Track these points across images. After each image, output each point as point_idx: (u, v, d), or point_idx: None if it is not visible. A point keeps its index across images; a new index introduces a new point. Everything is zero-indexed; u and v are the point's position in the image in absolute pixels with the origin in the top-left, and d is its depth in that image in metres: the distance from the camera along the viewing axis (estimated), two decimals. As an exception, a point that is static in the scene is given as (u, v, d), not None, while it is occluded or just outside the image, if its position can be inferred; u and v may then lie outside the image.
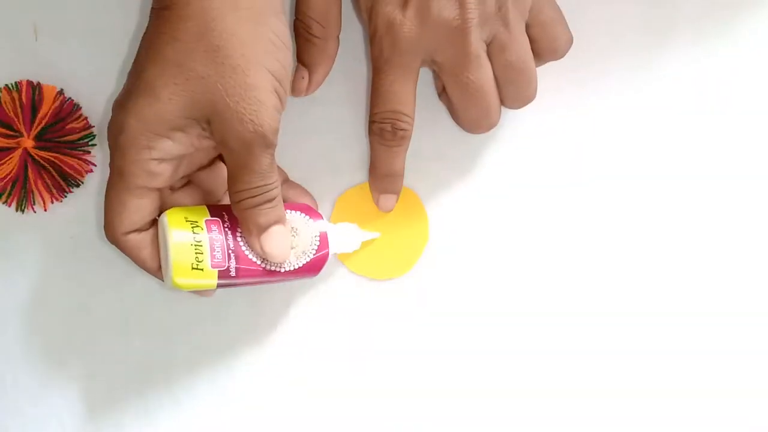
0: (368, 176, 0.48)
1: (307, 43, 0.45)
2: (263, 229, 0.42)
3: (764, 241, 0.50)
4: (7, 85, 0.48)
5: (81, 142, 0.48)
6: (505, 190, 0.49)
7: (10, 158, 0.47)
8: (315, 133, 0.49)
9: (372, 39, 0.44)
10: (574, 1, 0.46)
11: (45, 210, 0.48)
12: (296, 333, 0.48)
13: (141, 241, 0.43)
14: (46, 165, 0.48)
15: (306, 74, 0.46)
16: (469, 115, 0.46)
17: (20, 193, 0.48)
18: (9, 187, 0.48)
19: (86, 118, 0.48)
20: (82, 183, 0.48)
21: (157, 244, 0.43)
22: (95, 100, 0.48)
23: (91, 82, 0.48)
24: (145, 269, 0.44)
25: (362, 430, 0.48)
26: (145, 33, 0.41)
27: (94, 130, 0.48)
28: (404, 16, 0.43)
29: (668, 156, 0.50)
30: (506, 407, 0.48)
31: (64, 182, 0.48)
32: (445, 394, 0.48)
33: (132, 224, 0.42)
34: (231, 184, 0.42)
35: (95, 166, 0.48)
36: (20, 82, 0.48)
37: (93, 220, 0.48)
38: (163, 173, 0.41)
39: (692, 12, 0.50)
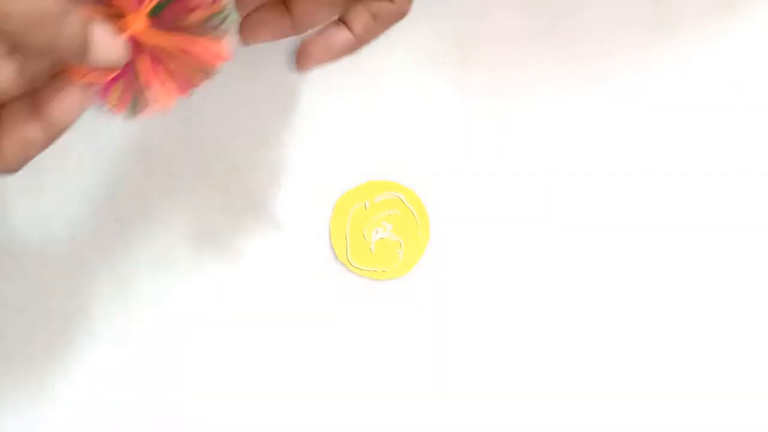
0: None
1: None
2: (85, 49, 0.31)
3: (765, 238, 0.50)
4: None
5: (210, 22, 0.35)
6: (506, 190, 0.49)
7: None
8: (315, 133, 0.49)
9: None
10: (576, 1, 0.46)
11: (165, 111, 0.35)
12: (296, 334, 0.48)
13: None
14: (167, 52, 0.35)
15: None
16: None
17: (131, 92, 0.35)
18: (116, 88, 0.35)
19: None
20: (217, 71, 0.35)
21: None
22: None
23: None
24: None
25: (362, 429, 0.48)
26: None
27: (228, 8, 0.36)
28: None
29: (670, 154, 0.50)
30: (508, 407, 0.48)
31: (190, 71, 0.35)
32: (447, 393, 0.48)
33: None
34: (15, 42, 0.31)
35: (228, 58, 0.35)
36: None
37: (93, 220, 0.48)
38: None
39: (694, 11, 0.50)
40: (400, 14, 0.40)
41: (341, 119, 0.49)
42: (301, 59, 0.41)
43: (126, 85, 0.35)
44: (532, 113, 0.49)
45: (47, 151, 0.49)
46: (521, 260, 0.49)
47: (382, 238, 0.49)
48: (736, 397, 0.49)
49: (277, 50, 0.49)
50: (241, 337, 0.48)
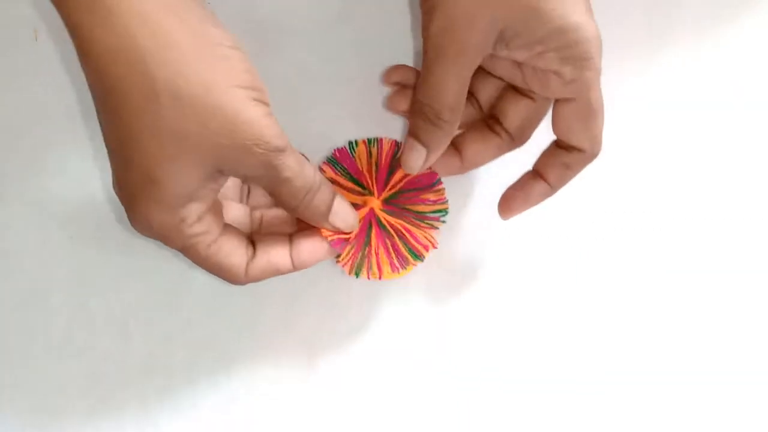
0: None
1: (432, 126, 0.41)
2: (327, 213, 0.42)
3: (764, 239, 0.50)
4: (368, 138, 0.47)
5: (431, 215, 0.46)
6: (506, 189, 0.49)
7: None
8: (316, 133, 0.49)
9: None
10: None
11: (380, 279, 0.45)
12: (297, 334, 0.48)
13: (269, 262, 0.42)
14: (392, 232, 0.45)
15: (424, 153, 0.42)
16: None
17: (358, 257, 0.45)
18: (349, 247, 0.45)
19: (444, 191, 0.46)
20: (425, 258, 0.45)
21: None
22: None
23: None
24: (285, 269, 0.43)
25: (363, 429, 0.48)
26: (96, 106, 0.38)
27: (448, 206, 0.46)
28: None
29: (669, 154, 0.50)
30: (508, 405, 0.48)
31: (409, 253, 0.45)
32: (447, 393, 0.48)
33: (242, 256, 0.41)
34: (279, 201, 0.41)
35: (436, 248, 0.46)
36: (381, 140, 0.46)
37: (93, 220, 0.48)
38: (211, 223, 0.40)
39: (693, 12, 0.50)
40: (592, 158, 0.42)
41: (342, 119, 0.49)
42: (504, 211, 0.45)
43: (356, 248, 0.44)
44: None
45: (48, 151, 0.49)
46: (521, 260, 0.49)
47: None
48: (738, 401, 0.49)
49: (277, 54, 0.49)
50: (241, 336, 0.48)
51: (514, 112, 0.44)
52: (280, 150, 0.38)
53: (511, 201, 0.45)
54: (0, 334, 0.48)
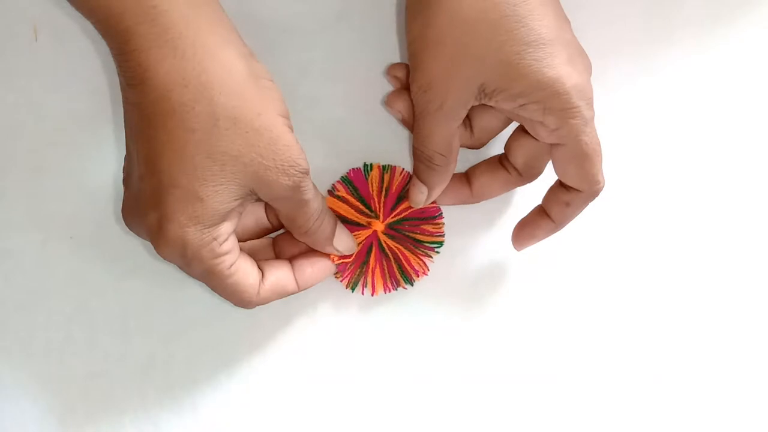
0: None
1: (428, 170, 0.45)
2: (332, 237, 0.45)
3: (765, 240, 0.50)
4: (383, 165, 0.48)
5: (427, 245, 0.48)
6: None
7: (357, 236, 0.48)
8: (316, 133, 0.49)
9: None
10: (575, 1, 0.46)
11: (372, 295, 0.48)
12: (297, 334, 0.48)
13: (275, 280, 0.45)
14: (389, 254, 0.48)
15: (425, 190, 0.46)
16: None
17: (355, 274, 0.48)
18: (349, 265, 0.48)
19: (443, 225, 0.48)
20: (415, 283, 0.48)
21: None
22: (95, 99, 0.48)
23: (92, 83, 0.48)
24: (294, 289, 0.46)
25: (362, 430, 0.48)
26: (143, 128, 0.39)
27: (444, 240, 0.48)
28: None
29: (669, 156, 0.50)
30: (510, 406, 0.48)
31: (402, 277, 0.48)
32: (448, 393, 0.48)
33: (256, 277, 0.43)
34: (292, 222, 0.44)
35: (427, 275, 0.48)
36: (395, 168, 0.48)
37: (93, 220, 0.48)
38: (234, 243, 0.42)
39: (692, 12, 0.50)
40: (593, 196, 0.44)
41: (342, 119, 0.49)
42: (515, 243, 0.48)
43: (355, 266, 0.48)
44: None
45: (47, 150, 0.49)
46: (522, 260, 0.49)
47: (382, 239, 0.49)
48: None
49: (277, 54, 0.49)
50: (241, 336, 0.48)
51: (519, 150, 0.46)
52: (306, 173, 0.41)
53: (520, 235, 0.47)
54: (0, 334, 0.48)
